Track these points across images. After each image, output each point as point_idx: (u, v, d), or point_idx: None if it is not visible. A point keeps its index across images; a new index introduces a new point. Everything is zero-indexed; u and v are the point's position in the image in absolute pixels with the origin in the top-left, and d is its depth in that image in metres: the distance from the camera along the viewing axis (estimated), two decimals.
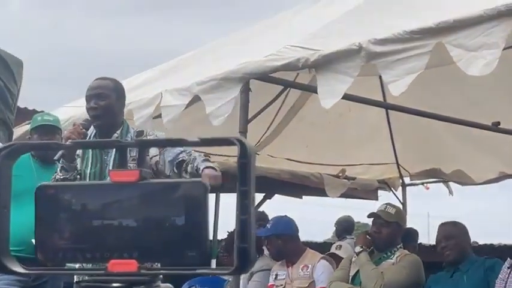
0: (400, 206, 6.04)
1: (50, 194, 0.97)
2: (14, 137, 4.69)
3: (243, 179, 0.91)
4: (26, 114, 5.60)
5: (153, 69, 6.00)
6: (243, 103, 4.31)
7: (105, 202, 0.97)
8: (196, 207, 0.95)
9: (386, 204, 4.79)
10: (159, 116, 4.66)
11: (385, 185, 7.21)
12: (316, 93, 4.34)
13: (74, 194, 0.97)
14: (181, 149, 3.59)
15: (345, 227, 7.57)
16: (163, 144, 0.99)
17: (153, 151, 3.63)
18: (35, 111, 5.86)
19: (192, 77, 4.72)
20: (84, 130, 3.72)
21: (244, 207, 0.91)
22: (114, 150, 3.69)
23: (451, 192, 7.20)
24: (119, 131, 3.76)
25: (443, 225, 4.60)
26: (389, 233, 4.57)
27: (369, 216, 4.72)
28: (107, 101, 3.78)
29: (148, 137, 3.72)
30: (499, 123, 5.31)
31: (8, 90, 4.38)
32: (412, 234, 6.16)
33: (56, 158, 3.71)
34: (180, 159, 3.58)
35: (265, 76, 4.30)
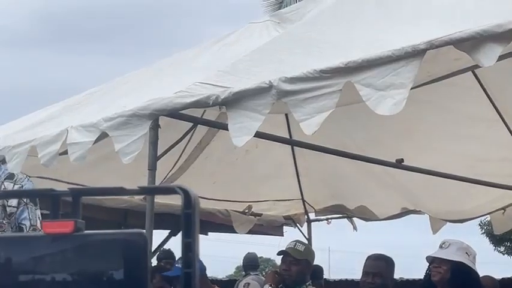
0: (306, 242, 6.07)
1: None
2: None
3: (188, 230, 0.87)
4: None
5: (55, 105, 5.86)
6: (152, 140, 4.25)
7: (37, 255, 0.90)
8: (136, 260, 0.90)
9: (295, 241, 4.79)
10: (65, 152, 4.53)
11: (291, 221, 7.24)
12: (225, 129, 4.33)
13: (2, 247, 0.91)
14: (28, 216, 3.60)
15: (249, 263, 7.57)
16: (101, 192, 0.94)
17: (14, 202, 3.61)
18: None
19: (98, 113, 4.62)
20: None
21: (188, 260, 0.87)
22: None
23: (355, 228, 7.30)
24: None
25: (375, 261, 4.53)
26: (298, 271, 4.57)
27: (279, 253, 4.71)
28: None
29: (19, 183, 3.69)
30: (402, 160, 5.43)
31: None
32: (318, 271, 6.20)
33: None
34: (21, 225, 3.61)
35: (174, 113, 4.26)
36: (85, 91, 6.08)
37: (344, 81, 3.67)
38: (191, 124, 5.17)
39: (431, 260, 4.28)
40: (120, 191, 0.92)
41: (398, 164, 5.44)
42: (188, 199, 0.88)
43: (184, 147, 6.14)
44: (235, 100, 3.96)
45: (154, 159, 4.29)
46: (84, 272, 0.91)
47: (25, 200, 3.52)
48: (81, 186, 5.59)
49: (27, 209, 3.56)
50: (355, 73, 3.64)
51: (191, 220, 0.87)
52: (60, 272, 0.90)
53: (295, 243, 4.72)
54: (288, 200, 7.13)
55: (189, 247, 0.87)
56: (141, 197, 6.07)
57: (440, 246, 4.27)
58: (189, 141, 6.11)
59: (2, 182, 3.67)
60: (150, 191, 0.91)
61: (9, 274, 0.90)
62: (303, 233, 7.15)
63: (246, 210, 6.88)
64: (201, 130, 6.07)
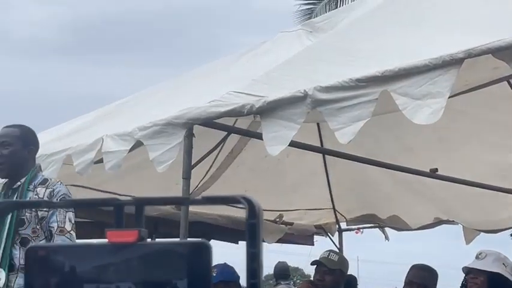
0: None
1: (41, 256, 0.91)
2: None
3: (252, 240, 0.87)
4: None
5: (88, 114, 5.91)
6: (186, 149, 4.27)
7: (101, 264, 0.91)
8: (199, 269, 0.90)
9: (329, 251, 4.78)
10: (99, 161, 4.56)
11: (322, 230, 7.21)
12: (259, 138, 4.34)
13: (67, 256, 0.91)
14: (56, 218, 3.62)
15: (280, 272, 7.56)
16: (163, 202, 0.95)
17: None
18: None
19: (132, 122, 4.65)
20: None
21: (253, 271, 0.87)
22: (15, 198, 3.66)
23: (387, 238, 7.26)
24: (23, 179, 3.71)
25: (420, 271, 4.51)
26: (332, 281, 4.56)
27: (312, 263, 4.69)
28: (10, 149, 3.76)
29: (51, 187, 3.73)
30: (436, 169, 5.39)
31: None
32: (352, 281, 6.16)
33: None
34: (50, 228, 3.62)
35: (209, 122, 4.27)
36: (117, 100, 6.13)
37: (380, 90, 3.66)
38: (221, 133, 5.18)
39: (468, 271, 4.25)
40: (183, 200, 0.93)
41: (433, 174, 5.39)
42: (252, 209, 0.87)
43: (216, 156, 6.15)
44: (270, 109, 3.97)
45: (188, 168, 4.31)
46: (147, 282, 0.91)
47: None
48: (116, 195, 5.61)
49: (56, 211, 3.60)
50: (392, 82, 3.62)
51: (256, 230, 0.87)
52: (124, 281, 0.90)
53: (329, 253, 4.70)
54: (319, 209, 7.10)
55: (254, 258, 0.87)
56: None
57: (477, 257, 4.24)
58: (220, 149, 6.12)
59: (35, 188, 3.71)
60: (213, 201, 0.91)
61: (75, 283, 0.91)
62: (334, 243, 7.12)
63: (277, 219, 6.87)
64: (233, 139, 6.08)
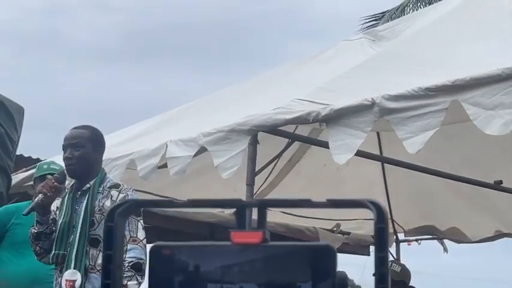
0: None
1: (165, 255, 0.91)
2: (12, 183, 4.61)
3: (381, 245, 0.86)
4: (23, 161, 5.51)
5: (152, 119, 5.95)
6: (250, 156, 4.26)
7: (225, 264, 0.91)
8: (324, 273, 0.90)
9: (391, 261, 4.74)
10: (163, 166, 4.59)
11: None
12: (323, 146, 4.32)
13: (191, 255, 0.91)
14: (127, 227, 3.61)
15: (339, 282, 7.51)
16: (287, 204, 0.95)
17: None
18: (30, 158, 5.77)
19: (196, 127, 4.67)
20: (56, 184, 3.69)
21: (382, 275, 0.86)
22: (86, 200, 3.68)
23: (445, 250, 7.16)
24: (92, 182, 3.73)
25: None
26: None
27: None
28: (82, 151, 3.75)
29: (124, 192, 3.73)
30: (501, 181, 5.30)
31: (8, 137, 4.32)
32: None
33: (24, 213, 3.68)
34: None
35: (273, 129, 4.27)
36: (173, 104, 6.17)
37: (450, 99, 3.62)
38: (281, 140, 5.16)
39: None
40: (307, 203, 0.92)
41: (497, 186, 5.31)
42: (381, 213, 0.87)
43: (275, 163, 6.15)
44: (337, 117, 3.95)
45: (252, 174, 4.30)
46: (271, 283, 0.90)
47: None
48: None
49: (128, 219, 3.61)
50: (462, 91, 3.58)
51: (384, 235, 0.86)
52: (247, 282, 0.90)
53: (392, 264, 4.66)
54: None
55: (383, 262, 0.86)
56: (231, 211, 6.09)
57: None
58: (279, 157, 6.11)
59: (109, 191, 3.73)
60: (339, 204, 0.91)
61: (198, 282, 0.91)
62: (391, 254, 7.05)
63: (335, 229, 6.83)
64: (292, 146, 6.06)
